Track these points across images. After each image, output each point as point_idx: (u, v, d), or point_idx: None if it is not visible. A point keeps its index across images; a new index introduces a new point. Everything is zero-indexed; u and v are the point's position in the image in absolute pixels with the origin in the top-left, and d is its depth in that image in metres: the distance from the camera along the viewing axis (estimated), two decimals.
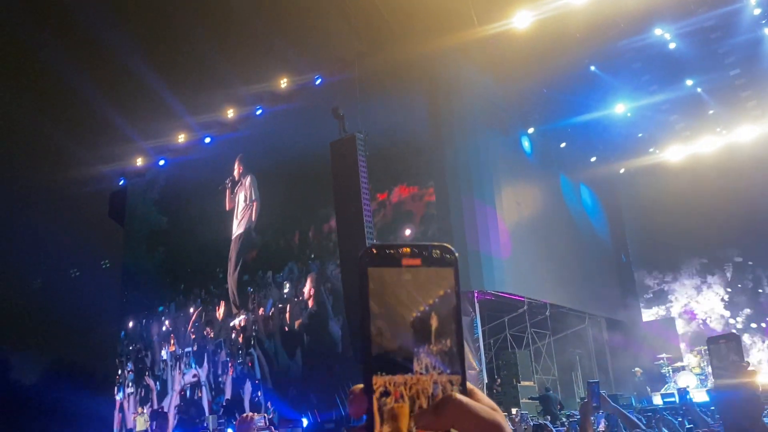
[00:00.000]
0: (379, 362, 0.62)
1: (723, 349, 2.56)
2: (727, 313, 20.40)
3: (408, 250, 0.64)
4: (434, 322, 0.64)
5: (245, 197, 22.73)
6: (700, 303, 20.99)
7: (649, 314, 21.80)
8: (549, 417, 13.19)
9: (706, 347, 17.73)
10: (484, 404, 0.65)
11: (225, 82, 21.85)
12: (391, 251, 0.64)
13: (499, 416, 0.64)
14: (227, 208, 22.93)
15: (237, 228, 22.70)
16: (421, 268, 0.64)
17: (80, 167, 21.98)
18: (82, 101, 21.06)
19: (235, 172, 23.00)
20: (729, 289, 20.59)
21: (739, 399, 2.52)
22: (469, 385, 0.65)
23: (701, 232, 20.79)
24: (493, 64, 16.81)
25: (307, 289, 20.10)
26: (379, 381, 0.62)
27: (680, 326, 21.04)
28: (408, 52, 16.52)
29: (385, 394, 0.62)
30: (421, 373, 0.63)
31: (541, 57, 15.95)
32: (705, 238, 20.78)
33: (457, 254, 0.66)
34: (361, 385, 0.63)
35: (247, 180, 22.74)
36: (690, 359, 16.30)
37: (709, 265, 21.12)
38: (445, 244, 0.66)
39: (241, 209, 22.70)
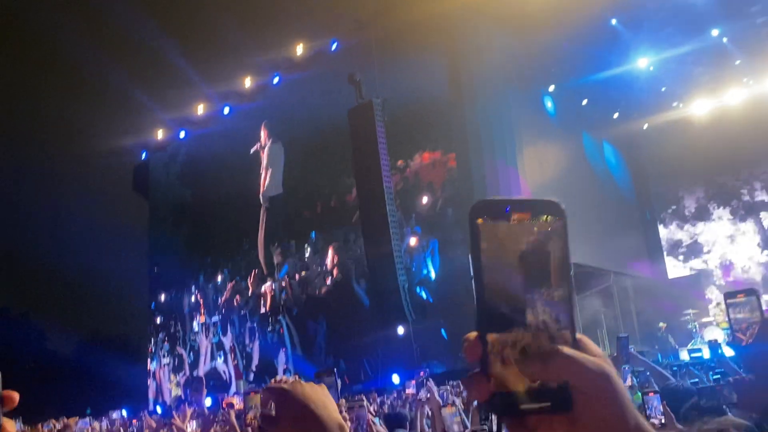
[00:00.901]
0: (492, 313, 0.64)
1: (742, 304, 2.54)
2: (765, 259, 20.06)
3: (518, 202, 0.65)
4: (544, 274, 0.65)
5: (264, 165, 22.79)
6: (737, 252, 20.64)
7: (685, 269, 21.47)
8: None
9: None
10: (591, 353, 0.67)
11: (241, 50, 21.79)
12: (501, 205, 0.65)
13: (607, 365, 0.66)
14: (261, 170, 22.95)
15: (262, 196, 22.78)
16: (530, 221, 0.65)
17: (103, 142, 22.25)
18: (102, 75, 21.20)
19: (262, 138, 22.92)
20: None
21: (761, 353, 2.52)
22: (578, 334, 0.67)
23: (729, 182, 20.47)
24: (512, 20, 16.46)
25: (330, 258, 20.27)
26: (494, 328, 0.64)
27: (718, 277, 20.75)
28: (425, 11, 16.24)
29: (499, 342, 0.64)
30: (533, 324, 0.64)
31: (562, 12, 15.58)
32: (734, 187, 20.47)
33: (564, 208, 0.66)
34: (475, 333, 0.65)
35: (267, 146, 22.72)
36: (716, 314, 16.21)
37: (743, 215, 20.75)
38: (553, 199, 0.66)
39: (263, 177, 22.78)
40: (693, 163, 21.43)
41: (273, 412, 1.21)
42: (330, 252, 20.28)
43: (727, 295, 2.55)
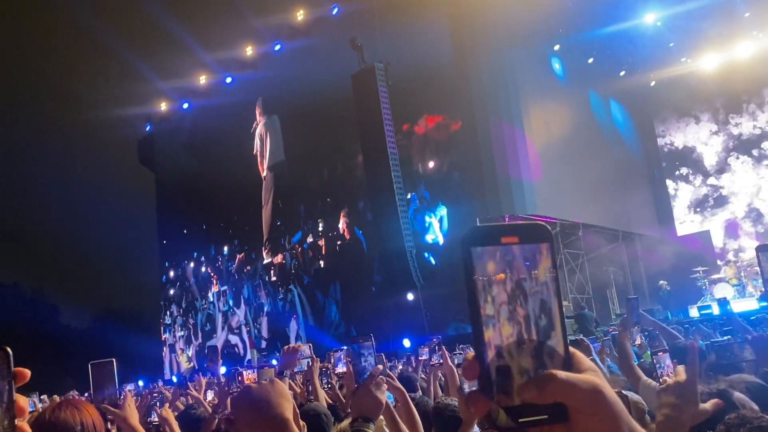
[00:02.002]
0: (488, 332, 0.68)
1: None
2: None
3: (507, 228, 0.70)
4: (535, 294, 0.69)
5: (261, 139, 22.78)
6: (764, 200, 20.34)
7: (709, 223, 21.14)
8: (583, 334, 13.35)
9: (745, 259, 17.56)
10: (582, 368, 0.70)
11: (241, 17, 21.55)
12: (491, 231, 0.70)
13: (598, 380, 0.69)
14: (254, 152, 23.04)
15: (265, 168, 22.83)
16: (519, 245, 0.70)
17: (108, 114, 22.17)
18: (106, 46, 21.02)
19: (258, 116, 22.95)
20: None
21: None
22: (571, 349, 0.71)
23: (743, 129, 20.25)
24: None
25: (341, 224, 20.31)
26: (490, 349, 0.68)
27: (748, 226, 20.46)
28: None
29: (496, 360, 0.68)
30: (527, 344, 0.68)
31: None
32: (749, 134, 20.22)
33: (551, 230, 0.72)
34: (472, 353, 0.69)
35: (263, 121, 22.71)
36: (726, 271, 16.18)
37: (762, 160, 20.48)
38: (539, 222, 0.72)
39: (262, 150, 22.79)
40: (702, 117, 21.19)
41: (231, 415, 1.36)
42: (341, 218, 20.33)
43: (761, 248, 2.51)
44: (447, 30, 17.37)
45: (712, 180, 21.23)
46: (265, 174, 22.79)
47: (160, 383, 12.47)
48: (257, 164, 22.98)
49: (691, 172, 21.70)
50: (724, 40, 19.68)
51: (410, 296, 17.59)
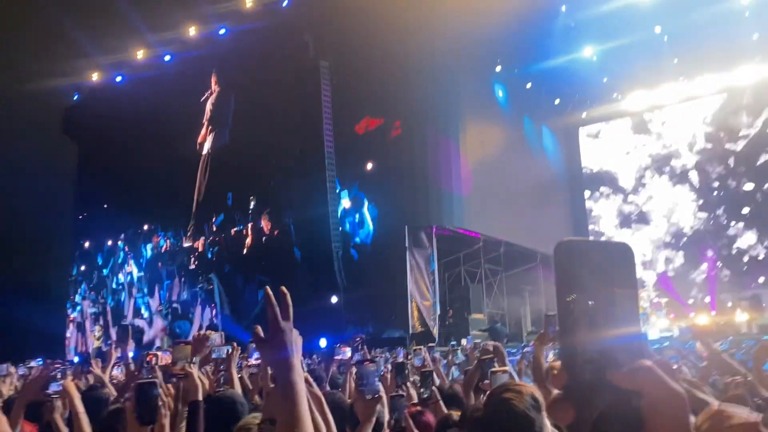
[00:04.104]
0: (575, 342, 0.73)
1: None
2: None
3: (596, 244, 0.76)
4: (615, 306, 0.74)
5: (208, 115, 22.14)
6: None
7: (636, 238, 21.91)
8: None
9: (651, 289, 18.54)
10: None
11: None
12: (579, 245, 0.75)
13: (682, 389, 0.73)
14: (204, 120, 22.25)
15: (204, 148, 22.13)
16: (602, 259, 0.75)
17: (32, 79, 21.02)
18: (42, 14, 20.00)
19: (213, 85, 22.17)
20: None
21: None
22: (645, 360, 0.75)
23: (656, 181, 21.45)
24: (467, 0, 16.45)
25: (264, 224, 20.01)
26: (577, 356, 0.73)
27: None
28: None
29: (582, 366, 0.73)
30: (607, 346, 0.73)
31: None
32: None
33: (632, 250, 0.78)
34: (559, 363, 0.74)
35: (215, 94, 22.02)
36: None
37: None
38: (622, 242, 0.77)
39: (206, 127, 22.13)
40: (628, 155, 22.31)
41: None
42: (263, 220, 20.02)
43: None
44: (396, 36, 17.52)
45: (631, 197, 22.30)
46: (205, 152, 22.06)
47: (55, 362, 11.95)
48: (191, 145, 22.17)
49: (612, 191, 22.71)
50: (654, 81, 20.82)
51: (333, 298, 17.63)
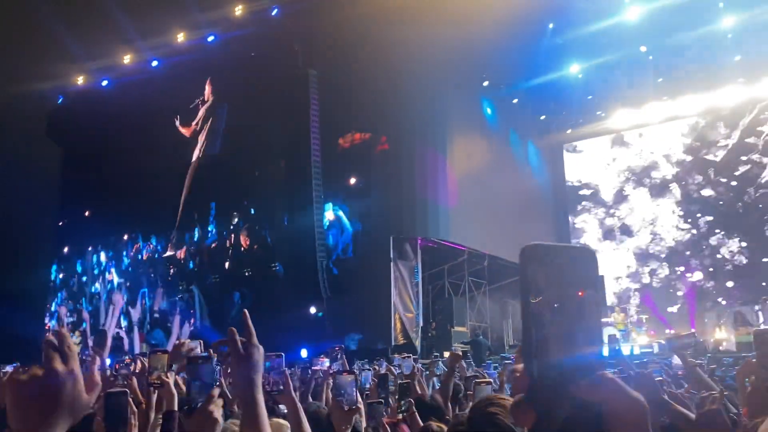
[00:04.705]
0: (538, 345, 0.74)
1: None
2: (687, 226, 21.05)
3: (559, 249, 0.76)
4: (579, 309, 0.75)
5: (200, 122, 21.98)
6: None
7: (621, 250, 22.19)
8: (475, 362, 13.77)
9: (633, 305, 18.73)
10: None
11: (177, 4, 20.91)
12: (544, 249, 0.76)
13: (643, 399, 0.75)
14: (192, 127, 22.07)
15: (194, 154, 21.93)
16: (567, 266, 0.76)
17: (16, 81, 20.82)
18: (31, 17, 19.84)
19: (206, 93, 22.05)
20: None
21: None
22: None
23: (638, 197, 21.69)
24: (455, 15, 16.60)
25: (243, 240, 19.87)
26: (537, 360, 0.74)
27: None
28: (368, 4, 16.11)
29: (544, 372, 0.74)
30: (570, 354, 0.74)
31: (503, 12, 15.85)
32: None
33: (596, 251, 0.79)
34: (522, 365, 0.75)
35: (209, 103, 21.86)
36: (615, 317, 17.18)
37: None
38: (585, 245, 0.77)
39: (202, 133, 21.95)
40: (608, 168, 22.54)
41: None
42: (242, 234, 19.87)
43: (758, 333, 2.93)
44: (385, 51, 17.60)
45: (613, 210, 22.48)
46: (194, 159, 21.86)
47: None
48: (177, 152, 21.99)
49: (593, 205, 22.90)
50: (638, 100, 21.10)
51: (314, 309, 17.55)
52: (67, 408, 1.07)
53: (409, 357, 6.30)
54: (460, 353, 6.15)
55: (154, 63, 22.95)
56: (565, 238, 22.77)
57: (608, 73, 19.75)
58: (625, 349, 13.03)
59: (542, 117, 22.06)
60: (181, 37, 22.15)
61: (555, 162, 23.65)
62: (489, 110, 20.33)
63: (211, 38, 21.51)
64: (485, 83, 19.71)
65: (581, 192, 23.16)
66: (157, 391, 3.08)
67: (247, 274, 19.56)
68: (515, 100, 20.87)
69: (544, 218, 22.44)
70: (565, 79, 20.07)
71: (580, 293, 0.75)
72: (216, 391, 2.15)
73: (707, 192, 20.65)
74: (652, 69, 19.71)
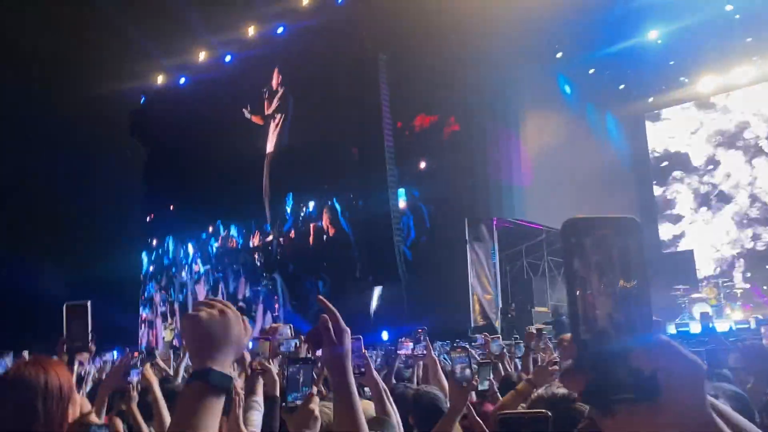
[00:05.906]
0: (585, 316, 0.74)
1: None
2: None
3: (601, 220, 0.76)
4: (624, 277, 0.75)
5: (273, 111, 22.35)
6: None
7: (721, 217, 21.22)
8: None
9: (722, 281, 17.71)
10: None
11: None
12: (587, 223, 0.76)
13: (698, 358, 0.74)
14: (265, 114, 22.51)
15: (269, 145, 22.39)
16: (611, 235, 0.76)
17: (103, 85, 21.87)
18: (103, 18, 20.77)
19: (273, 82, 22.48)
20: None
21: None
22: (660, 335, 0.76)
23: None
24: None
25: (324, 221, 20.12)
26: (585, 331, 0.74)
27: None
28: None
29: (593, 337, 0.74)
30: (620, 324, 0.74)
31: None
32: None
33: (639, 221, 0.77)
34: (569, 335, 0.75)
35: (279, 93, 22.20)
36: (706, 291, 16.37)
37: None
38: (629, 216, 0.77)
39: (273, 124, 22.33)
40: (694, 138, 21.42)
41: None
42: (324, 214, 20.12)
43: None
44: (451, 28, 17.31)
45: (706, 178, 21.35)
46: (267, 152, 22.34)
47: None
48: (254, 144, 22.48)
49: (685, 174, 21.81)
50: (725, 63, 19.86)
51: (393, 289, 17.64)
52: (234, 344, 1.31)
53: (498, 337, 6.38)
54: (534, 332, 6.11)
55: (227, 58, 23.54)
56: (650, 211, 21.85)
57: (690, 36, 18.61)
58: (722, 326, 12.38)
59: (621, 86, 21.09)
60: (251, 31, 22.61)
61: (636, 132, 22.67)
62: (568, 88, 19.65)
63: (280, 30, 21.84)
64: (559, 55, 19.01)
65: (668, 162, 22.11)
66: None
67: (325, 262, 19.86)
68: (592, 70, 20.03)
69: (627, 191, 21.56)
70: (643, 46, 19.08)
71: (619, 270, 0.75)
72: (315, 390, 2.29)
73: None
74: (739, 28, 18.45)
